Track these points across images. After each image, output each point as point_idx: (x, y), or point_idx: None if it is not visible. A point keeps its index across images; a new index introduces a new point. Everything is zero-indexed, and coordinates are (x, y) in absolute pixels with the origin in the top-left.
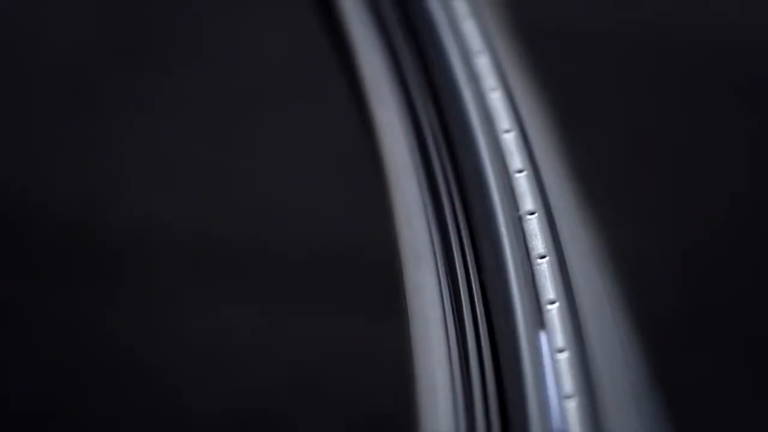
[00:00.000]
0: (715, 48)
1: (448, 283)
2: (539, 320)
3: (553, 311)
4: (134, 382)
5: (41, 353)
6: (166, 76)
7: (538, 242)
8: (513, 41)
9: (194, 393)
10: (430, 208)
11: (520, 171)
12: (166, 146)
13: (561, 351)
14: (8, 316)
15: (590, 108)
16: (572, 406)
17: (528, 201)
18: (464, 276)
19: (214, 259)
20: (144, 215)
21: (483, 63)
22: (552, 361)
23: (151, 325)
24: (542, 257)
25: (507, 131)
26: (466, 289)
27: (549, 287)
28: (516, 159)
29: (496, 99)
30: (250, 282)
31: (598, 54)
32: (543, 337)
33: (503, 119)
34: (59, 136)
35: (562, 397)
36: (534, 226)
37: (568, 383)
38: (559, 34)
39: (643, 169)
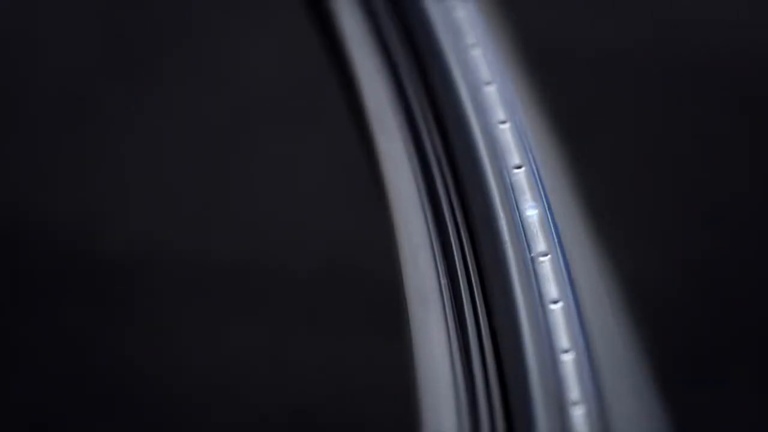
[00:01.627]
0: (727, 64)
1: (455, 324)
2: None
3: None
4: (133, 403)
5: (38, 374)
6: (165, 92)
7: (551, 286)
8: (522, 68)
9: (195, 414)
10: (436, 243)
11: (532, 209)
12: (165, 162)
13: (566, 351)
14: (2, 335)
15: (599, 127)
16: (578, 412)
17: (540, 240)
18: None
19: (213, 278)
20: (143, 232)
21: (491, 93)
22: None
23: (150, 345)
24: (555, 302)
25: (517, 167)
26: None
27: (562, 335)
28: (527, 196)
29: (504, 130)
30: (250, 302)
31: (606, 72)
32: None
33: (513, 154)
34: (56, 152)
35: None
36: (547, 267)
37: (574, 386)
38: (567, 53)
39: (655, 188)
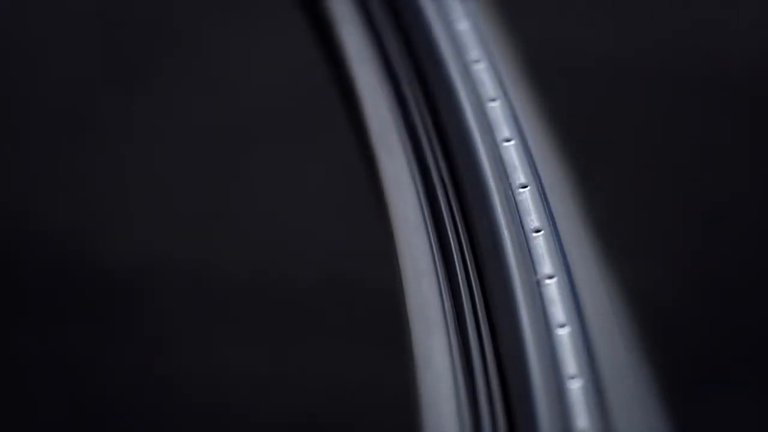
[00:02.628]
0: (733, 71)
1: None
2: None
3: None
4: (132, 417)
5: (30, 396)
6: (165, 101)
7: (557, 310)
8: (525, 82)
9: (195, 428)
10: (439, 265)
11: (538, 231)
12: (165, 173)
13: (573, 378)
14: None
15: (602, 140)
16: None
17: (547, 264)
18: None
19: (214, 290)
20: (142, 243)
21: (495, 109)
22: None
23: (148, 358)
24: (562, 327)
25: (523, 186)
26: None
27: (570, 360)
28: (533, 217)
29: (509, 149)
30: (250, 321)
31: (608, 82)
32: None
33: (518, 173)
34: (55, 160)
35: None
36: (554, 291)
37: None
38: (570, 63)
39: (659, 199)
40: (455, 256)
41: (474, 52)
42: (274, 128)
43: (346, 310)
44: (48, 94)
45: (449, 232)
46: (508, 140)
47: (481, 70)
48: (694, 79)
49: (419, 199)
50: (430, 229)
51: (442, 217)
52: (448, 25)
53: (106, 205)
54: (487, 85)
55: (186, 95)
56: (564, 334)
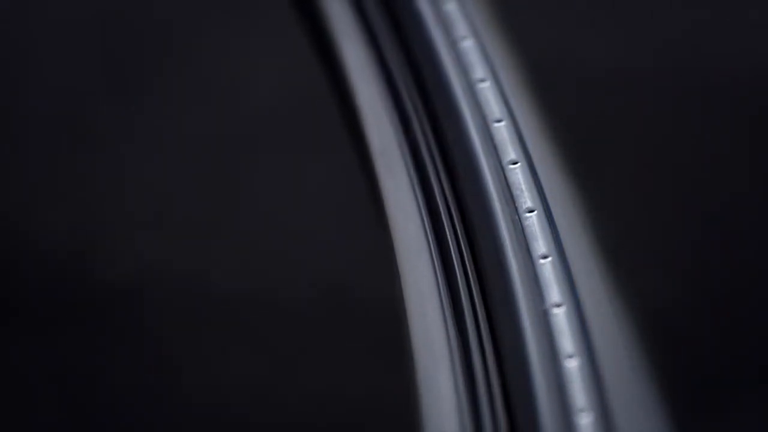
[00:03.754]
0: (736, 80)
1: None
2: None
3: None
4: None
5: (27, 404)
6: (163, 113)
7: (565, 340)
8: (531, 102)
9: None
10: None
11: (545, 256)
12: (163, 186)
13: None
14: None
15: (607, 156)
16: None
17: (554, 292)
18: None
19: (212, 305)
20: (139, 257)
21: (502, 131)
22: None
23: (145, 379)
24: (570, 356)
25: (530, 210)
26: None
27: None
28: (540, 243)
29: (515, 171)
30: (249, 330)
31: (613, 94)
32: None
33: (525, 196)
34: (51, 172)
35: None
36: (562, 321)
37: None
38: (574, 76)
39: (665, 213)
40: (459, 283)
41: (479, 70)
42: (274, 137)
43: (347, 323)
44: (46, 101)
45: (453, 258)
46: (514, 163)
47: (487, 89)
48: (700, 91)
49: (423, 223)
50: (433, 254)
51: (447, 242)
52: (453, 43)
53: (104, 213)
54: (493, 105)
55: (185, 103)
56: (572, 364)
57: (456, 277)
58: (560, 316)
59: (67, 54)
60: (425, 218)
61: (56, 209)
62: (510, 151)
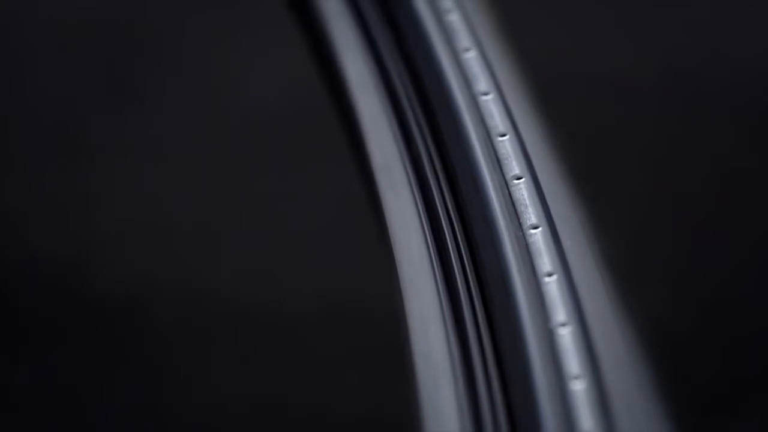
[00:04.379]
0: (739, 89)
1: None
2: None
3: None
4: None
5: (23, 423)
6: (160, 125)
7: (571, 361)
8: (538, 118)
9: None
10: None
11: (550, 274)
12: (159, 197)
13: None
14: None
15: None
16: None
17: (560, 311)
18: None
19: (210, 319)
20: (135, 270)
21: (506, 145)
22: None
23: (144, 395)
24: (576, 377)
25: (534, 227)
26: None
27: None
28: (545, 260)
29: (520, 187)
30: (249, 347)
31: (617, 101)
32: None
33: (529, 211)
34: (45, 186)
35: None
36: (567, 341)
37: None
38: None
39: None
40: (463, 302)
41: (482, 83)
42: (272, 147)
43: (347, 339)
44: (41, 112)
45: (456, 276)
46: (518, 178)
47: (490, 102)
48: (705, 101)
49: (425, 238)
50: (436, 272)
51: (450, 259)
52: (456, 55)
53: (101, 224)
54: (497, 118)
55: (182, 112)
56: (578, 386)
57: (459, 295)
58: (566, 336)
59: (62, 64)
60: (428, 234)
61: (53, 220)
62: (514, 166)
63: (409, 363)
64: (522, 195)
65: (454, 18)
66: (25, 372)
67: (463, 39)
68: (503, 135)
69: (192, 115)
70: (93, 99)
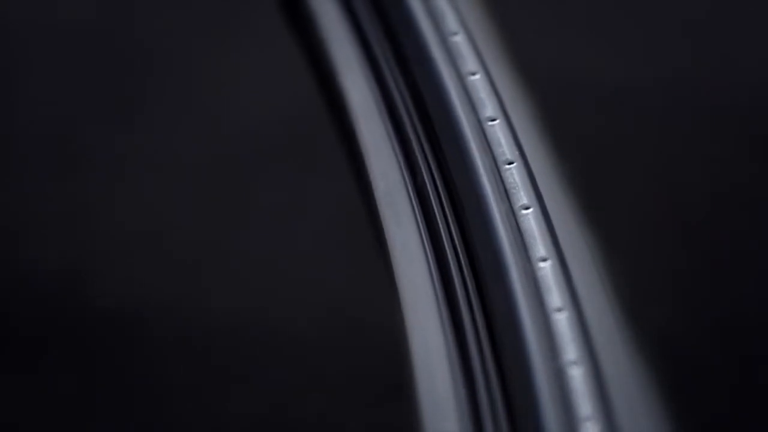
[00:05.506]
0: (749, 105)
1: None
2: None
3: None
4: None
5: None
6: (156, 138)
7: (583, 401)
8: (545, 145)
9: None
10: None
11: (560, 310)
12: (157, 212)
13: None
14: None
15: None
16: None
17: (570, 349)
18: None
19: (209, 337)
20: (131, 289)
21: (513, 173)
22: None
23: (140, 412)
24: (588, 420)
25: (543, 260)
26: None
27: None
28: (554, 295)
29: (528, 217)
30: (248, 365)
31: (621, 114)
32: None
33: (538, 244)
34: (39, 199)
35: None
36: (578, 381)
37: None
38: (582, 97)
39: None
40: (469, 339)
41: (489, 108)
42: (270, 159)
43: (348, 359)
44: (35, 124)
45: (462, 311)
46: (526, 208)
47: (497, 128)
48: (710, 114)
49: (431, 273)
50: (441, 307)
51: (455, 294)
52: (462, 79)
53: (96, 238)
54: (504, 145)
55: (177, 126)
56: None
57: (465, 332)
58: (576, 375)
59: (55, 75)
60: (432, 267)
61: (47, 234)
62: (522, 196)
63: (413, 396)
64: (530, 226)
65: (459, 40)
66: (18, 387)
67: (469, 62)
68: (510, 163)
69: (189, 125)
70: (88, 109)
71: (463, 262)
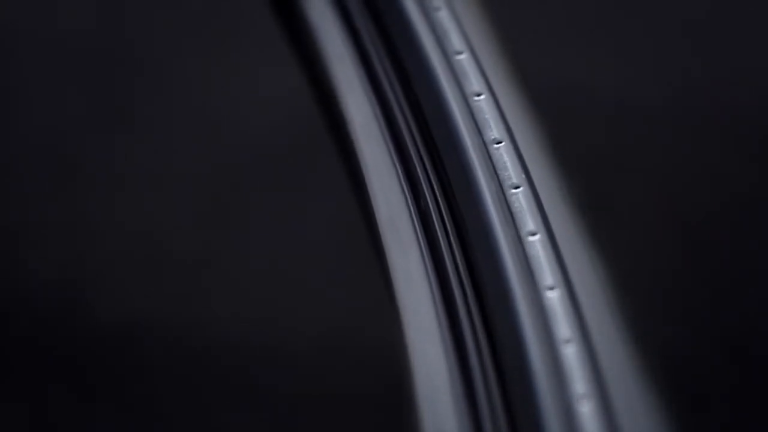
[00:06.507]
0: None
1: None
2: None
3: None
4: None
5: None
6: (155, 150)
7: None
8: (552, 168)
9: None
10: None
11: (568, 341)
12: (154, 230)
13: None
14: None
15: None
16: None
17: (580, 382)
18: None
19: (208, 358)
20: (129, 308)
21: (519, 198)
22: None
23: (138, 428)
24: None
25: (550, 288)
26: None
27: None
28: (563, 325)
29: (535, 244)
30: (245, 385)
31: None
32: None
33: (546, 271)
34: (36, 217)
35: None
36: (589, 416)
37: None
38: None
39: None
40: (476, 373)
41: (495, 130)
42: (269, 174)
43: (347, 379)
44: (33, 139)
45: (469, 342)
46: (533, 234)
47: (502, 150)
48: (714, 127)
49: (435, 302)
50: (447, 339)
51: (461, 323)
52: (466, 100)
53: (93, 257)
54: (510, 169)
55: (174, 140)
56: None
57: (471, 364)
58: (587, 412)
59: (55, 84)
60: (437, 296)
61: (44, 253)
62: (529, 222)
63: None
64: (537, 252)
65: (464, 58)
66: (11, 408)
67: (474, 82)
68: (517, 187)
69: (186, 139)
70: (84, 128)
71: (467, 291)
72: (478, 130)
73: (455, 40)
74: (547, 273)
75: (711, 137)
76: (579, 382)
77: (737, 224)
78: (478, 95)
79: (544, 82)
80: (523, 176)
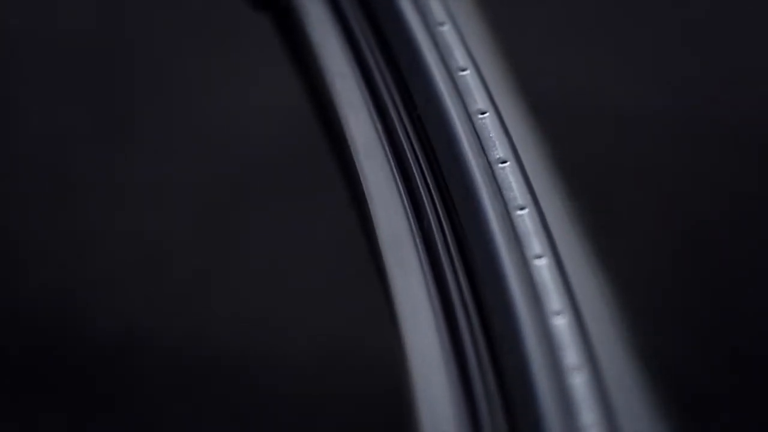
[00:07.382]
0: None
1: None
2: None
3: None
4: None
5: None
6: (153, 162)
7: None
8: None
9: None
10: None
11: (576, 368)
12: (154, 239)
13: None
14: None
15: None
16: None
17: (588, 411)
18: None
19: (205, 371)
20: (124, 322)
21: (525, 220)
22: None
23: None
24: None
25: (557, 313)
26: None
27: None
28: (570, 352)
29: (542, 269)
30: (243, 402)
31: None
32: None
33: (553, 297)
34: (32, 229)
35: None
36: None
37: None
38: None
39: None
40: (481, 402)
41: (500, 150)
42: (269, 184)
43: (347, 397)
44: (31, 145)
45: (474, 371)
46: (539, 257)
47: (507, 170)
48: (719, 135)
49: (438, 328)
50: (451, 366)
51: (465, 351)
52: (470, 117)
53: (90, 269)
54: (515, 189)
55: (174, 147)
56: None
57: (476, 392)
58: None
59: (51, 93)
60: (441, 321)
61: (40, 265)
62: (535, 244)
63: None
64: (544, 276)
65: (468, 75)
66: (7, 424)
67: (479, 100)
68: (522, 208)
69: (186, 147)
70: (82, 139)
71: (472, 317)
72: (483, 150)
73: (459, 56)
74: (553, 297)
75: (711, 137)
76: (589, 412)
77: (737, 224)
78: (483, 113)
79: (543, 85)
80: (529, 197)
